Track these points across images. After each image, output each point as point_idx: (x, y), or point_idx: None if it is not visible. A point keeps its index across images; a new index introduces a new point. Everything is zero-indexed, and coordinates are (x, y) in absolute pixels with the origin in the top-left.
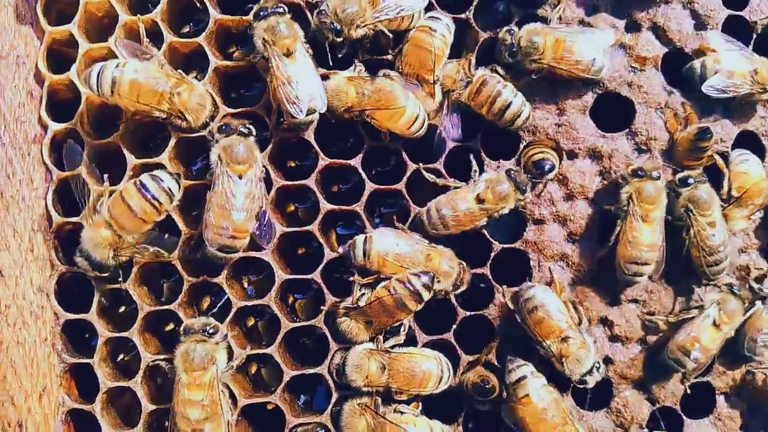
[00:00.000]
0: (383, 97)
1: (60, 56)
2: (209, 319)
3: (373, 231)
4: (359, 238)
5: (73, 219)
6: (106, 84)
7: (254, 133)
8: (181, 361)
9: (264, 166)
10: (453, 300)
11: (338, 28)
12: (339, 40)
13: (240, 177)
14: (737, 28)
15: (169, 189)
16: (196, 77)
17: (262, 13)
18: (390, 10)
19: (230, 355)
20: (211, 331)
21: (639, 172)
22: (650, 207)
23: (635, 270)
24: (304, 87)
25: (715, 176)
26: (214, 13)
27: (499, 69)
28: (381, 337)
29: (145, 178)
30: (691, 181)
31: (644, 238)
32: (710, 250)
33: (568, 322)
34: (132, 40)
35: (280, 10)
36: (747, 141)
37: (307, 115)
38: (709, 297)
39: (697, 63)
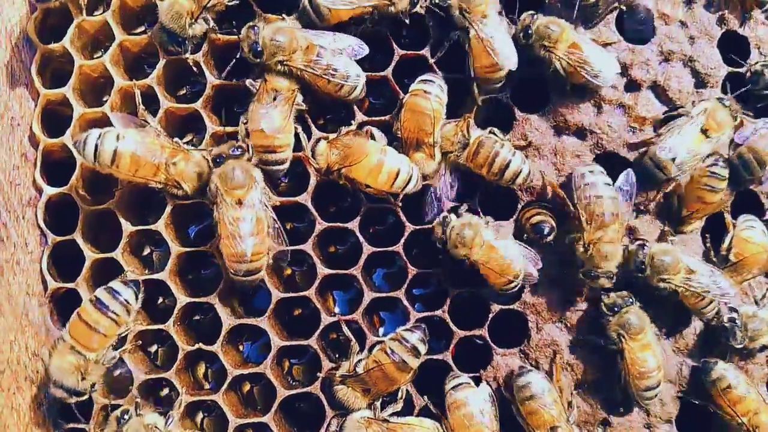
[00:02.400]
0: (351, 152)
1: (56, 115)
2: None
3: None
4: None
5: (69, 284)
6: (106, 155)
7: (248, 153)
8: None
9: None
10: (451, 363)
11: (259, 49)
12: (256, 60)
13: (240, 203)
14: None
15: (126, 301)
16: (192, 141)
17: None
18: (319, 67)
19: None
20: (126, 417)
21: (615, 308)
22: (642, 336)
23: (652, 395)
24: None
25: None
26: (211, 78)
27: (497, 132)
28: (378, 404)
29: (100, 293)
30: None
31: (650, 364)
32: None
33: (560, 411)
34: (128, 103)
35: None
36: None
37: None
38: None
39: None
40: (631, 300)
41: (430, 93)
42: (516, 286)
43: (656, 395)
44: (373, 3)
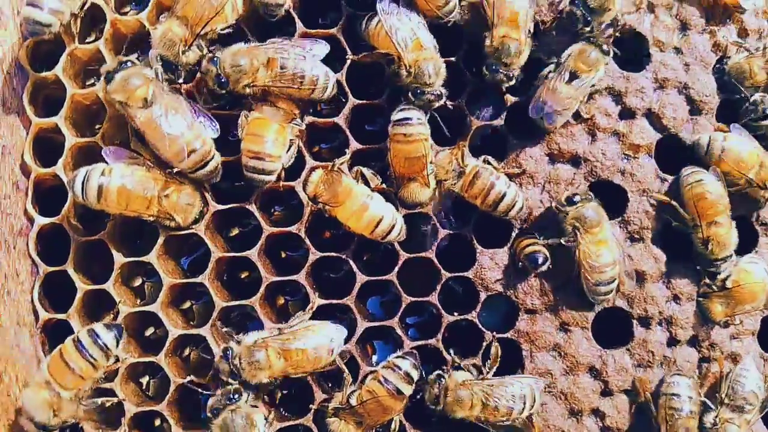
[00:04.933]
0: (336, 192)
1: (49, 142)
2: (227, 387)
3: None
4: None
5: (60, 315)
6: (92, 192)
7: None
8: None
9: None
10: None
11: (223, 80)
12: (222, 91)
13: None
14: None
15: (105, 345)
16: None
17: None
18: (285, 78)
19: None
20: (236, 397)
21: (573, 199)
22: (598, 230)
23: (605, 290)
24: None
25: None
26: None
27: (492, 160)
28: None
29: (82, 334)
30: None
31: (604, 259)
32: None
33: None
34: (122, 131)
35: (128, 64)
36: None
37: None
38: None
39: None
40: (590, 196)
41: (411, 135)
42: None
43: (609, 292)
44: None
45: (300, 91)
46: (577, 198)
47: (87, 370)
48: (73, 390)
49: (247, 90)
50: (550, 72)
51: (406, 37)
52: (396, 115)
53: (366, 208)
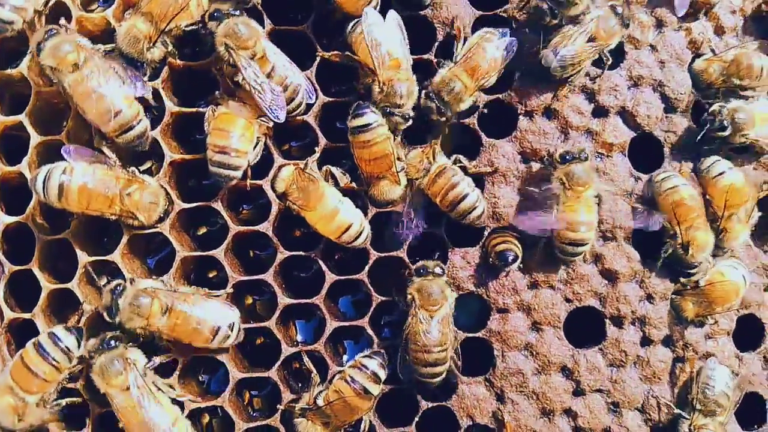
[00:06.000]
0: (311, 201)
1: (14, 141)
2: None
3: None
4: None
5: (25, 315)
6: (53, 191)
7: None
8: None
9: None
10: (415, 392)
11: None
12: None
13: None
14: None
15: (67, 348)
16: (151, 168)
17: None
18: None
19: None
20: (113, 343)
21: (566, 157)
22: (582, 189)
23: (575, 251)
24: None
25: None
26: (170, 105)
27: (463, 160)
28: None
29: (43, 338)
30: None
31: (580, 217)
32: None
33: None
34: (86, 129)
35: (53, 31)
36: None
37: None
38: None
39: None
40: (585, 155)
41: (373, 138)
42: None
43: (579, 255)
44: None
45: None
46: (572, 154)
47: (51, 374)
48: (39, 394)
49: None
50: (570, 26)
51: (386, 54)
52: (353, 122)
53: (336, 213)
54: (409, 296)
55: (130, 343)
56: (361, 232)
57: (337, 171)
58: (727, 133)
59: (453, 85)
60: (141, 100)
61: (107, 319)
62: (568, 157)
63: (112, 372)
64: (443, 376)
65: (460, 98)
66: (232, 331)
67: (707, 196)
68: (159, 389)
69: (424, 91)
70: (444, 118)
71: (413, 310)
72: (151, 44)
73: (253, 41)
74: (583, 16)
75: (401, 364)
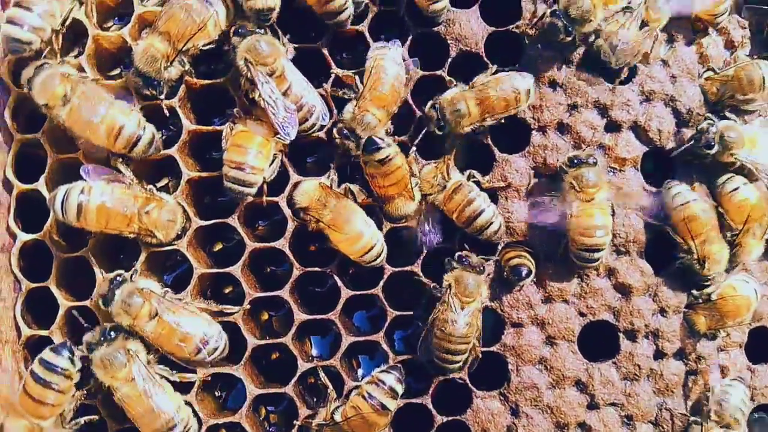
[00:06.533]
0: (339, 221)
1: (31, 158)
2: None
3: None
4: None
5: (43, 332)
6: (72, 211)
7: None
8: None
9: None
10: (430, 406)
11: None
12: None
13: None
14: None
15: (63, 369)
16: (167, 185)
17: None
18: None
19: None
20: (111, 334)
21: (575, 160)
22: (593, 190)
23: (592, 257)
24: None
25: None
26: (187, 124)
27: (477, 175)
28: None
29: (36, 367)
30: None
31: (595, 221)
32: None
33: None
34: None
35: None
36: None
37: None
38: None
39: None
40: (595, 159)
41: (391, 168)
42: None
43: (596, 261)
44: None
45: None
46: (581, 158)
47: (57, 397)
48: (52, 416)
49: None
50: (619, 15)
51: (379, 86)
52: (371, 157)
53: (362, 235)
54: (446, 282)
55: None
56: (381, 253)
57: (355, 188)
58: (714, 151)
59: (459, 107)
60: (157, 117)
61: (101, 306)
62: (576, 161)
63: (116, 365)
64: (460, 365)
65: (461, 122)
66: (216, 350)
67: (722, 211)
68: (162, 377)
69: (431, 101)
70: (440, 133)
71: (446, 297)
72: (169, 63)
73: (273, 59)
74: (596, 32)
75: (422, 344)
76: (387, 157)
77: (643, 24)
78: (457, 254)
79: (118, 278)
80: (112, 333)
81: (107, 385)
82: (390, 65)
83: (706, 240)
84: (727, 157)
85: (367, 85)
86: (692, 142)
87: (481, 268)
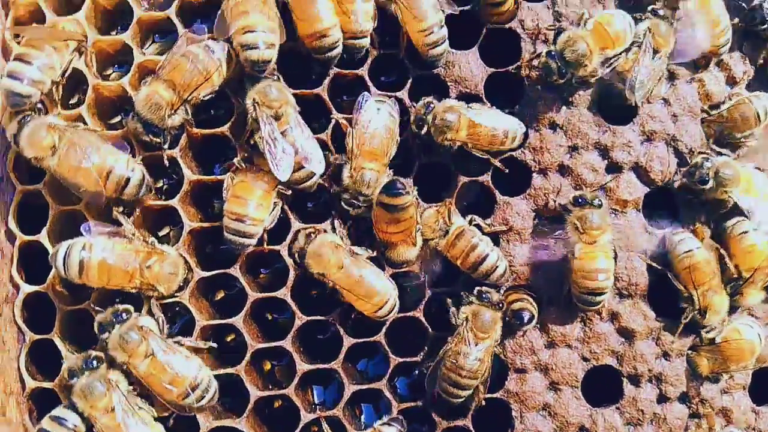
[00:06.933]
0: (362, 288)
1: (34, 208)
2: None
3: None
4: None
5: (47, 384)
6: (74, 268)
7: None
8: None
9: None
10: None
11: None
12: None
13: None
14: None
15: (74, 426)
16: (169, 234)
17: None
18: None
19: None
20: (93, 363)
21: (580, 200)
22: (597, 233)
23: (594, 301)
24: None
25: None
26: (189, 174)
27: (478, 219)
28: None
29: (47, 424)
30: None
31: (598, 265)
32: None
33: None
34: None
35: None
36: None
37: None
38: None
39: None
40: (600, 201)
41: (402, 214)
42: None
43: (599, 304)
44: None
45: None
46: (586, 198)
47: None
48: None
49: None
50: (634, 48)
51: (367, 142)
52: (388, 200)
53: (375, 293)
54: (463, 314)
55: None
56: (394, 306)
57: (361, 250)
58: (708, 186)
59: (578, 46)
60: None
61: (96, 331)
62: (581, 201)
63: (96, 395)
64: (463, 399)
65: (583, 62)
66: (204, 397)
67: (728, 253)
68: (141, 408)
69: (544, 50)
70: (562, 81)
71: (462, 329)
72: (173, 111)
73: (279, 104)
74: (592, 76)
75: (430, 375)
76: (405, 203)
77: (656, 52)
78: (476, 289)
79: (123, 314)
80: (95, 362)
81: (86, 415)
82: (373, 118)
83: (709, 289)
84: (721, 194)
85: (355, 145)
86: (686, 177)
87: (501, 305)
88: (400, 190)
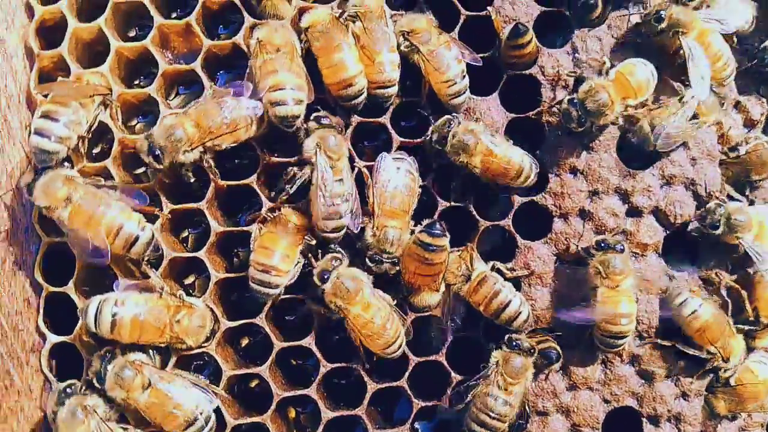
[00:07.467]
0: (372, 329)
1: (59, 257)
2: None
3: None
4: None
5: None
6: (105, 325)
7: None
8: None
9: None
10: None
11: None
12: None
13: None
14: None
15: None
16: (194, 282)
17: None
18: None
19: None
20: (69, 391)
21: (602, 244)
22: (620, 278)
23: (613, 343)
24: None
25: None
26: (215, 225)
27: (500, 265)
28: None
29: None
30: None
31: (621, 309)
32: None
33: None
34: None
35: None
36: None
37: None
38: None
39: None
40: (622, 246)
41: (436, 257)
42: None
43: (620, 347)
44: None
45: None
46: (608, 243)
47: None
48: None
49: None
50: (673, 99)
51: (387, 201)
52: (427, 240)
53: (390, 342)
54: (494, 359)
55: (87, 390)
56: (401, 345)
57: (387, 296)
58: (719, 232)
59: (600, 96)
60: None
61: (96, 384)
62: (603, 245)
63: (75, 423)
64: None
65: (604, 111)
66: (207, 424)
67: (751, 296)
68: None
69: (566, 98)
70: (581, 129)
71: (492, 373)
72: (190, 149)
73: (337, 156)
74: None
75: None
76: (442, 245)
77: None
78: (507, 336)
79: (108, 354)
80: (68, 390)
81: None
82: (392, 178)
83: (726, 340)
84: (732, 239)
85: (376, 205)
86: (699, 221)
87: (532, 351)
88: (440, 232)
